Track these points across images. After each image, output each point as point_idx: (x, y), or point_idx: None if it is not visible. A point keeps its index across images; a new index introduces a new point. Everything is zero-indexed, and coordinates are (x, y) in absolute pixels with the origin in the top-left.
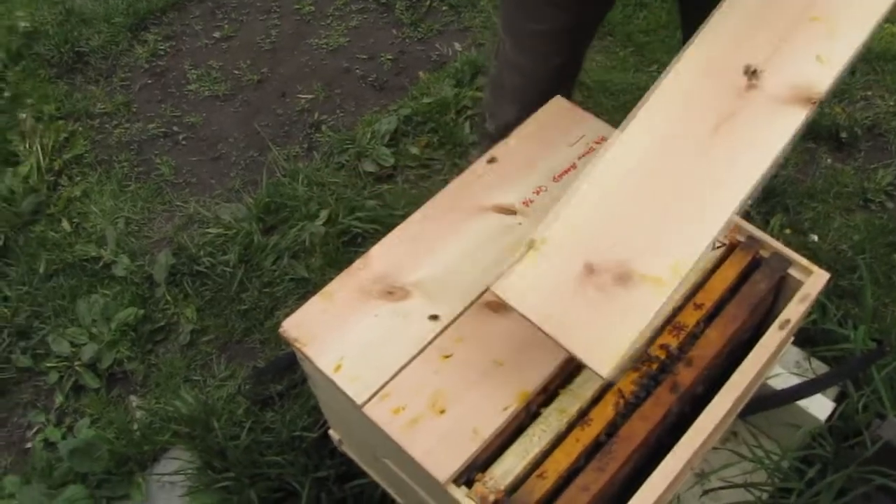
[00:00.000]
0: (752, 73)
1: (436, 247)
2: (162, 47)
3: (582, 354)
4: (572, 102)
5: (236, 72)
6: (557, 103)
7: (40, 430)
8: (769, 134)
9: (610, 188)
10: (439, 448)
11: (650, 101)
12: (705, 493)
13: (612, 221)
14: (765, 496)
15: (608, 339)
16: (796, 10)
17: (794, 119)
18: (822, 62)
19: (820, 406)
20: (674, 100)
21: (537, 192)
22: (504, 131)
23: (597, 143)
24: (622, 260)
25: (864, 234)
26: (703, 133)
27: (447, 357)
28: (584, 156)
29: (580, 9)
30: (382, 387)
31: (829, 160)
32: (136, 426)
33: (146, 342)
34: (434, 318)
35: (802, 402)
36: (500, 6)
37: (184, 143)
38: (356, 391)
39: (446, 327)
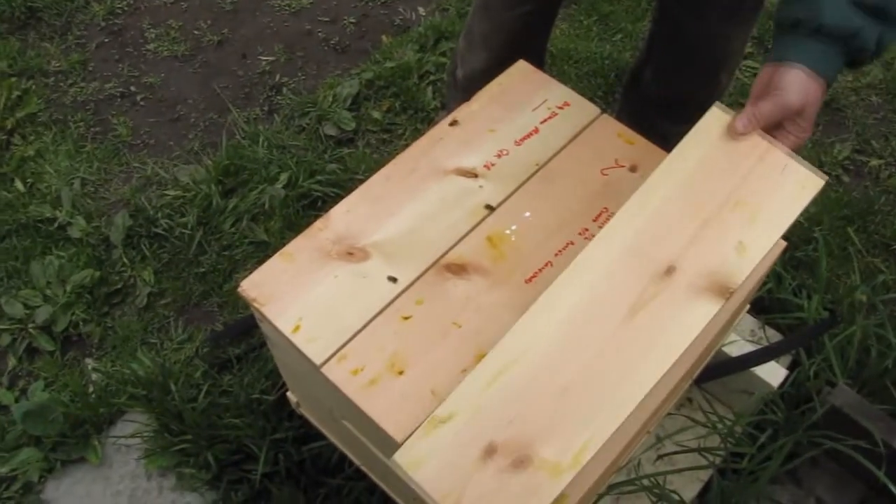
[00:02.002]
0: (669, 265)
1: (396, 208)
2: (119, 5)
3: None
4: (541, 67)
5: (196, 32)
6: (521, 67)
7: None
8: (683, 324)
9: (520, 366)
10: (397, 408)
11: (568, 273)
12: (660, 457)
13: (518, 401)
14: (718, 460)
15: None
16: (722, 194)
17: (709, 310)
18: (743, 251)
19: (773, 373)
20: (592, 277)
21: (499, 156)
22: (471, 80)
23: (559, 107)
24: (524, 443)
25: (820, 206)
26: (618, 317)
27: (406, 318)
28: (546, 120)
29: None
30: (341, 347)
31: None
32: (91, 389)
33: (102, 304)
34: (393, 279)
35: (756, 369)
36: None
37: (142, 103)
38: (315, 352)
39: (406, 289)
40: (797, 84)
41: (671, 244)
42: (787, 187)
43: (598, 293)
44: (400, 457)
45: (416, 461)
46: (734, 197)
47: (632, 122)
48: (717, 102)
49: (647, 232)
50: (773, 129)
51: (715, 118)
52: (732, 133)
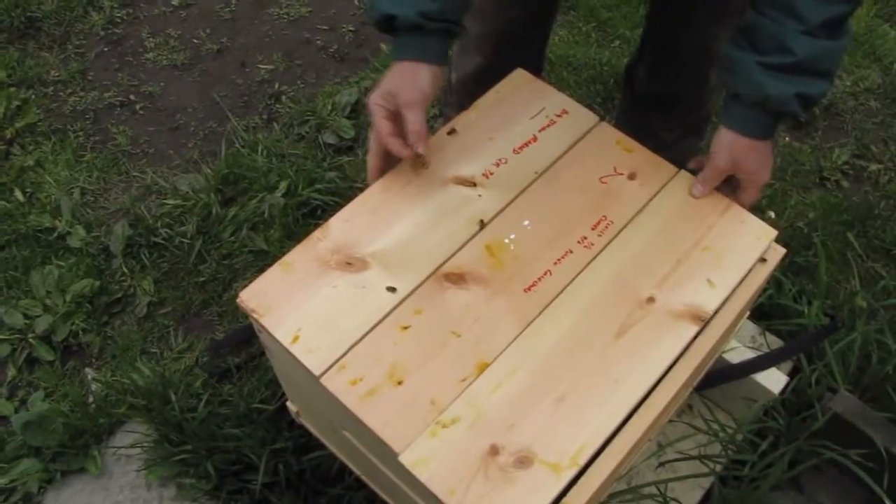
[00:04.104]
0: (650, 295)
1: (395, 218)
2: (118, 14)
3: None
4: (539, 76)
5: (195, 41)
6: (519, 75)
7: None
8: (664, 344)
9: (520, 374)
10: (396, 419)
11: (562, 298)
12: (661, 465)
13: (519, 406)
14: (719, 468)
15: None
16: (692, 239)
17: (687, 333)
18: (712, 286)
19: (774, 380)
20: (583, 302)
21: (498, 164)
22: (464, 84)
23: (558, 115)
24: (525, 444)
25: (819, 211)
26: (608, 336)
27: (405, 328)
28: (544, 129)
29: None
30: (340, 358)
31: (786, 138)
32: (91, 399)
33: (102, 314)
34: (392, 289)
35: (757, 376)
36: None
37: (141, 112)
38: (314, 362)
39: (404, 299)
40: (724, 146)
41: (651, 277)
42: (744, 236)
43: (589, 316)
44: (405, 457)
45: (420, 461)
46: (703, 243)
47: (627, 119)
48: (684, 171)
49: (631, 267)
50: (731, 182)
51: (684, 179)
52: (694, 196)
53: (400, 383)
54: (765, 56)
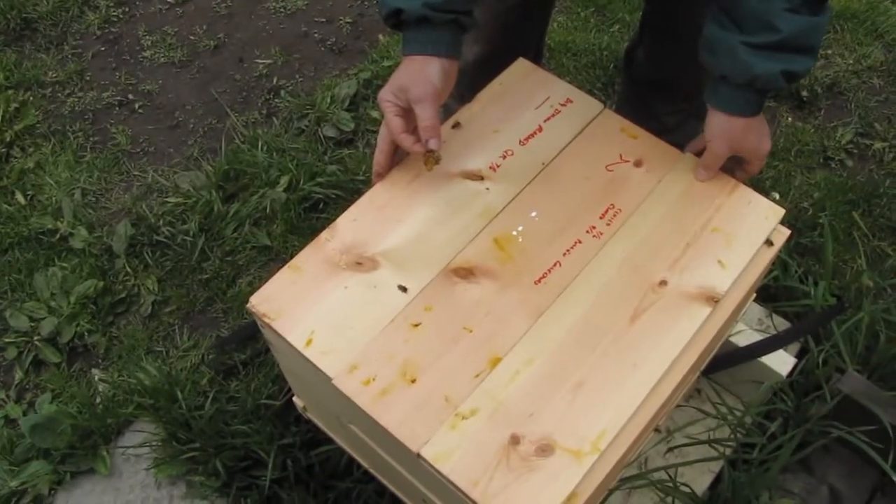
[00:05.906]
0: (662, 279)
1: (403, 215)
2: (114, 13)
3: None
4: (539, 62)
5: (192, 37)
6: (521, 65)
7: (0, 407)
8: (678, 326)
9: (536, 364)
10: (412, 418)
11: (574, 285)
12: (670, 450)
13: (537, 395)
14: (728, 451)
15: None
16: (701, 221)
17: (700, 314)
18: (723, 267)
19: (781, 361)
20: (596, 288)
21: (504, 157)
22: (464, 73)
23: (562, 104)
24: (546, 433)
25: (824, 191)
26: (622, 321)
27: (416, 325)
28: (549, 119)
29: None
30: (354, 359)
31: (789, 119)
32: (98, 400)
33: (107, 314)
34: (403, 288)
35: (764, 358)
36: None
37: (140, 111)
38: (328, 365)
39: (415, 296)
40: (719, 131)
41: (662, 261)
42: (752, 216)
43: (601, 302)
44: (426, 451)
45: (442, 454)
46: (711, 224)
47: (629, 104)
48: (689, 154)
49: (641, 252)
50: (734, 161)
51: (689, 162)
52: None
53: (413, 381)
54: (750, 35)
